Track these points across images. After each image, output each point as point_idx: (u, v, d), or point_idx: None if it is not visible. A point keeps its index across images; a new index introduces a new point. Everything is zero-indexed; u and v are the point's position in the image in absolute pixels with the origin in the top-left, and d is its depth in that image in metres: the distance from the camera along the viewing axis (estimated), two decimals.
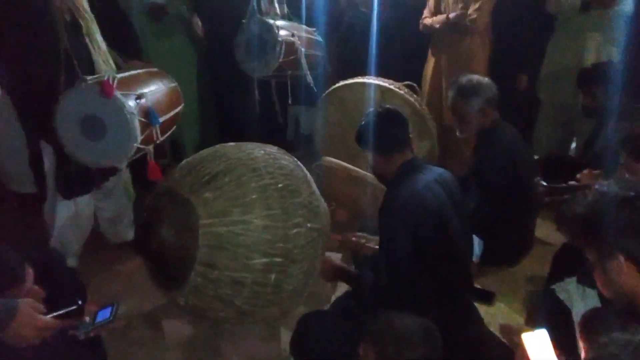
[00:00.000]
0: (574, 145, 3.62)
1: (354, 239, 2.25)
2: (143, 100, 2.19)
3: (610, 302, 1.41)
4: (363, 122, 2.00)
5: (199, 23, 3.55)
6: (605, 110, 2.80)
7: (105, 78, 2.09)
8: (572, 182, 2.03)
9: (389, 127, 1.95)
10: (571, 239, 1.32)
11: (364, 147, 2.00)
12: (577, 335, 1.51)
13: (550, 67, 3.43)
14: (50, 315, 1.42)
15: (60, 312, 1.45)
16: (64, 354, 1.50)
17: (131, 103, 2.12)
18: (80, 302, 1.54)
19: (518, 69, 3.52)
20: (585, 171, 2.30)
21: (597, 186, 1.24)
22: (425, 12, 3.59)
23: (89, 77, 2.12)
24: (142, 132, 2.16)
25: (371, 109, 2.05)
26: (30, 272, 1.53)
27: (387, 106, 2.08)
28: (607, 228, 1.18)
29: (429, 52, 3.71)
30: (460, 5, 3.42)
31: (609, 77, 2.75)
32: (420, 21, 3.58)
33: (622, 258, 1.16)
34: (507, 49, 3.46)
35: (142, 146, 2.19)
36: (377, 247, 2.05)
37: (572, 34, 3.29)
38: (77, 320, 1.50)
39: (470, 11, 3.37)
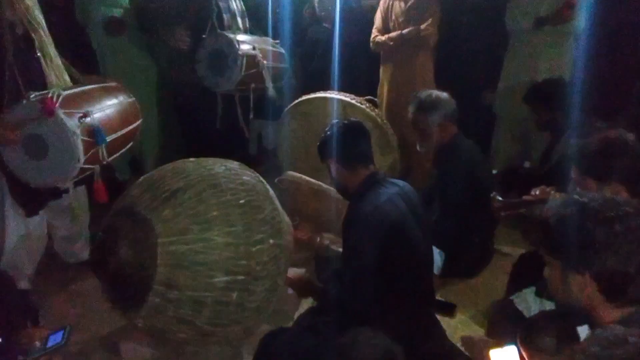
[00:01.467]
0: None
1: (319, 239, 2.25)
2: (88, 119, 2.13)
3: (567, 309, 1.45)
4: (326, 134, 2.00)
5: (185, 38, 3.48)
6: (558, 125, 2.90)
7: (49, 95, 2.03)
8: (526, 197, 2.08)
9: (354, 141, 1.96)
10: (538, 245, 1.33)
11: (326, 159, 2.00)
12: (518, 344, 1.54)
13: (505, 82, 3.54)
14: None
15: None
16: None
17: (73, 122, 2.06)
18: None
19: (463, 83, 3.59)
20: (540, 187, 2.37)
21: (576, 196, 1.23)
22: (374, 31, 3.65)
23: (32, 94, 2.05)
24: (87, 152, 2.10)
25: (334, 121, 2.05)
26: None
27: (351, 119, 2.10)
28: (581, 244, 1.17)
29: (381, 69, 3.76)
30: (410, 23, 3.49)
31: (555, 93, 2.85)
32: (372, 40, 3.64)
33: (588, 276, 1.18)
34: (451, 64, 3.55)
35: (86, 166, 2.13)
36: (341, 249, 2.07)
37: (526, 50, 3.41)
38: (28, 345, 1.44)
39: (423, 26, 3.45)
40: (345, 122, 2.02)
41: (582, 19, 3.18)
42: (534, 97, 3.01)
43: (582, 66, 3.05)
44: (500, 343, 1.63)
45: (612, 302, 1.19)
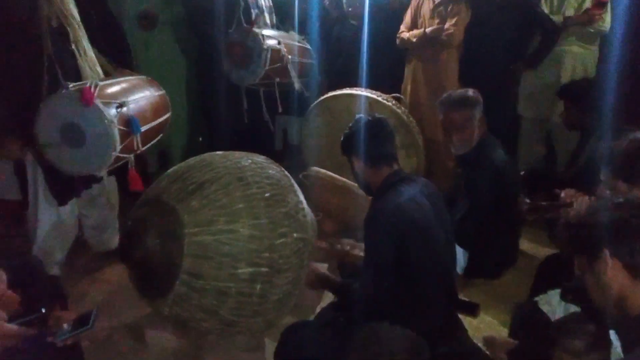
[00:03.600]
0: None
1: (339, 246, 2.25)
2: (124, 109, 2.18)
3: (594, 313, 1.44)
4: (350, 130, 1.99)
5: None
6: (587, 125, 2.85)
7: (87, 85, 2.08)
8: (554, 202, 2.06)
9: (378, 139, 1.94)
10: (563, 247, 1.36)
11: (348, 155, 1.99)
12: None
13: (530, 83, 3.49)
14: (15, 323, 1.40)
15: (24, 319, 1.43)
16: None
17: (111, 111, 2.11)
18: (44, 310, 1.52)
19: (489, 82, 3.54)
20: (569, 190, 2.33)
21: (600, 199, 1.30)
22: (402, 27, 3.63)
23: (71, 84, 2.11)
24: (122, 141, 2.14)
25: (359, 116, 2.02)
26: (3, 276, 1.50)
27: (376, 115, 2.06)
28: (598, 229, 1.22)
29: (406, 67, 3.74)
30: (437, 21, 3.47)
31: (589, 94, 2.80)
32: (397, 35, 3.62)
33: (607, 253, 1.20)
34: (478, 63, 3.49)
35: (122, 155, 2.18)
36: (363, 254, 2.06)
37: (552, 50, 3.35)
38: (56, 327, 1.48)
39: (447, 26, 3.42)
40: (370, 118, 1.99)
41: (610, 19, 3.11)
42: (568, 93, 2.96)
43: (610, 68, 2.99)
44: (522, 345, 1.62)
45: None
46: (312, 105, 3.43)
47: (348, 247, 2.27)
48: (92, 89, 2.07)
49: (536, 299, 1.96)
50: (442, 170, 3.58)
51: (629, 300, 1.22)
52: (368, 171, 1.95)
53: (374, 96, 3.21)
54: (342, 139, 2.01)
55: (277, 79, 3.31)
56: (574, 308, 1.79)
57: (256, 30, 3.12)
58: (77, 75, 2.31)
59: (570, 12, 3.28)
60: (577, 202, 1.89)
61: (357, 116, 2.04)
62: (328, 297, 2.35)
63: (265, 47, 3.09)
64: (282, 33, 3.42)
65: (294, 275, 1.91)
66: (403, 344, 1.45)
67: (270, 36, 3.22)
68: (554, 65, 3.33)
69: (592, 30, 3.23)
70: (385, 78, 3.59)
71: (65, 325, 1.50)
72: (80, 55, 2.31)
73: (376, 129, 1.95)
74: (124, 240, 1.97)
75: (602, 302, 1.28)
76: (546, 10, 3.33)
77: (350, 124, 2.01)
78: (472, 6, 3.47)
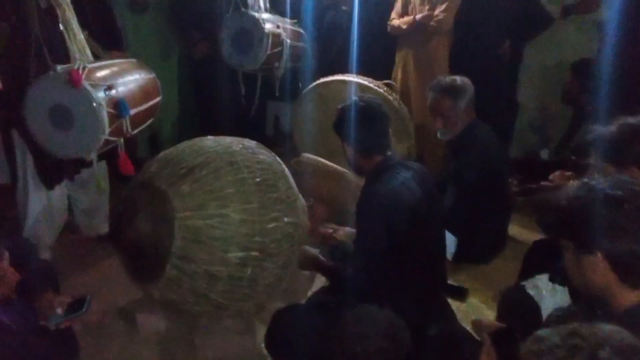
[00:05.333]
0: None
1: (321, 229, 2.26)
2: (113, 91, 2.16)
3: (580, 296, 1.45)
4: (342, 114, 1.94)
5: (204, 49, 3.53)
6: (581, 105, 2.87)
7: (75, 67, 2.06)
8: (544, 183, 2.07)
9: (372, 128, 1.90)
10: (551, 229, 1.33)
11: (341, 139, 1.97)
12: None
13: (528, 70, 3.50)
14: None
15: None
16: (34, 344, 1.48)
17: (100, 94, 2.09)
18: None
19: (477, 70, 3.54)
20: (558, 172, 2.36)
21: (586, 179, 1.24)
22: (393, 14, 3.62)
23: (59, 66, 2.09)
24: (112, 124, 2.13)
25: (353, 99, 1.96)
26: (5, 253, 1.50)
27: (370, 99, 2.00)
28: (592, 225, 1.18)
29: (397, 54, 3.73)
30: (427, 7, 3.46)
31: (594, 75, 2.81)
32: (388, 23, 3.61)
33: (600, 256, 1.17)
34: (466, 52, 3.49)
35: (111, 138, 2.17)
36: (345, 236, 2.07)
37: (551, 38, 3.35)
38: (49, 311, 1.49)
39: (436, 12, 3.42)
40: (363, 103, 1.95)
41: (608, 7, 3.11)
42: (578, 67, 2.97)
43: (606, 56, 3.00)
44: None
45: (627, 282, 1.18)
46: (303, 91, 3.42)
47: (330, 231, 2.28)
48: (80, 71, 2.05)
49: (523, 283, 1.99)
50: (432, 157, 3.60)
51: (612, 298, 1.21)
52: (359, 158, 1.95)
53: (366, 82, 3.20)
54: (334, 121, 1.98)
55: (276, 64, 3.28)
56: (561, 291, 1.82)
57: (256, 14, 3.09)
58: (65, 58, 2.28)
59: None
60: (567, 185, 1.90)
61: (352, 99, 1.99)
62: (319, 282, 2.37)
63: (266, 31, 3.06)
64: (277, 17, 3.40)
65: (284, 259, 1.92)
66: (382, 326, 1.47)
67: (268, 20, 3.19)
68: (553, 52, 3.33)
69: (590, 18, 3.23)
70: (377, 65, 3.58)
71: (58, 310, 1.51)
72: (69, 38, 2.28)
73: (369, 115, 1.92)
74: (115, 224, 1.97)
75: (584, 290, 1.28)
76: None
77: (343, 106, 1.97)
78: None
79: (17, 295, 1.40)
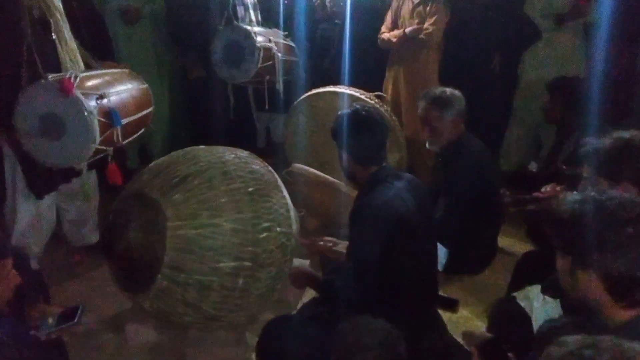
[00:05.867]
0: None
1: (321, 243, 2.25)
2: (105, 101, 2.15)
3: (572, 308, 1.45)
4: (341, 121, 1.91)
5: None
6: (567, 123, 2.90)
7: (67, 76, 2.06)
8: (536, 194, 2.09)
9: (370, 139, 1.89)
10: (551, 238, 1.29)
11: (339, 146, 1.93)
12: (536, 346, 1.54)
13: (523, 82, 3.55)
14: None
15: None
16: (27, 357, 1.45)
17: (91, 103, 2.08)
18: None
19: (467, 84, 3.56)
20: (550, 185, 2.38)
21: (593, 193, 1.21)
22: (383, 28, 3.67)
23: (50, 75, 2.08)
24: (103, 133, 2.12)
25: (354, 107, 1.93)
26: (10, 256, 1.49)
27: (370, 109, 1.96)
28: (592, 242, 1.16)
29: (387, 67, 3.78)
30: (416, 21, 3.52)
31: (577, 92, 2.85)
32: (378, 36, 3.66)
33: (595, 274, 1.17)
34: (456, 65, 3.53)
35: (101, 147, 2.16)
36: (345, 250, 2.06)
37: (545, 49, 3.41)
38: (40, 321, 1.47)
39: (425, 25, 3.47)
40: (365, 112, 1.90)
41: (598, 13, 3.13)
42: (558, 87, 2.99)
43: (595, 69, 3.04)
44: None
45: (619, 303, 1.18)
46: (295, 102, 3.44)
47: (330, 244, 2.27)
48: (72, 80, 2.04)
49: (514, 294, 2.01)
50: (423, 169, 3.63)
51: (604, 315, 1.21)
52: (356, 167, 1.93)
53: (357, 94, 3.23)
54: (332, 126, 1.94)
55: (267, 77, 3.31)
56: (551, 302, 1.83)
57: (247, 27, 3.11)
58: (57, 67, 2.28)
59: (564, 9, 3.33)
60: (567, 195, 1.89)
61: (353, 105, 1.96)
62: (310, 293, 2.36)
63: (258, 45, 3.09)
64: (269, 30, 3.42)
65: (276, 269, 1.92)
66: (379, 336, 1.47)
67: (260, 33, 3.22)
68: (548, 63, 3.38)
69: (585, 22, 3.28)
70: (368, 77, 3.62)
71: (50, 319, 1.49)
72: (61, 47, 2.28)
73: (369, 125, 1.89)
74: (107, 233, 1.95)
75: (575, 299, 1.28)
76: (534, 13, 3.38)
77: (343, 113, 1.93)
78: (453, 7, 3.52)
79: (7, 306, 1.38)
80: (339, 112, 1.95)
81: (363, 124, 1.89)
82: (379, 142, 1.91)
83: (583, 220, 1.18)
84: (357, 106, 1.94)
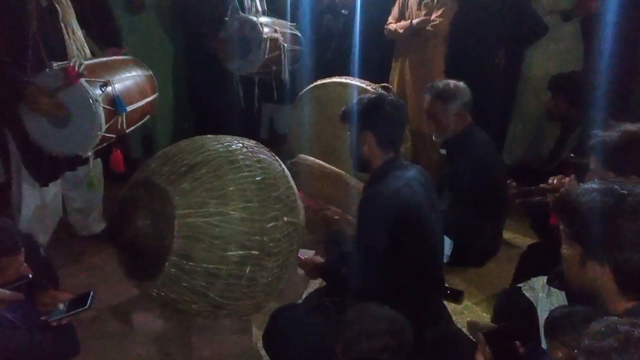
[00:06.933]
0: None
1: (329, 212, 2.26)
2: (109, 88, 2.16)
3: (577, 298, 1.45)
4: (373, 102, 1.91)
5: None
6: (570, 118, 2.90)
7: (71, 64, 2.06)
8: (543, 185, 2.08)
9: (398, 124, 1.91)
10: (563, 224, 1.27)
11: (361, 128, 1.90)
12: (543, 334, 1.55)
13: (527, 77, 3.54)
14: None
15: (14, 285, 1.45)
16: (40, 342, 1.47)
17: (96, 90, 2.09)
18: (30, 276, 1.52)
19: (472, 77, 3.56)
20: (557, 176, 2.37)
21: (615, 185, 1.19)
22: (390, 19, 3.65)
23: (55, 63, 2.08)
24: (108, 120, 2.12)
25: (382, 94, 1.97)
26: (22, 250, 1.50)
27: (398, 99, 2.00)
28: (609, 236, 1.15)
29: (393, 58, 3.76)
30: (424, 12, 3.49)
31: (580, 88, 2.84)
32: (385, 27, 3.64)
33: (607, 267, 1.16)
34: (462, 58, 3.50)
35: (107, 134, 2.16)
36: (347, 224, 2.06)
37: (550, 44, 3.40)
38: (51, 307, 1.48)
39: (433, 17, 3.45)
40: (395, 99, 1.94)
41: (604, 10, 3.12)
42: (558, 84, 3.00)
43: (596, 63, 3.03)
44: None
45: (625, 294, 1.18)
46: (301, 93, 3.43)
47: (337, 217, 2.27)
48: (77, 68, 2.04)
49: (520, 285, 2.02)
50: (427, 161, 3.63)
51: (609, 304, 1.21)
52: (375, 149, 1.89)
53: (363, 85, 3.23)
54: (359, 108, 1.92)
55: (274, 67, 3.30)
56: (556, 293, 1.84)
57: (254, 18, 3.10)
58: (63, 54, 2.28)
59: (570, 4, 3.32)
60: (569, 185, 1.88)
61: (380, 93, 1.99)
62: (315, 282, 2.38)
63: (265, 36, 3.07)
64: (275, 20, 3.41)
65: (283, 258, 1.93)
66: (386, 323, 1.48)
67: (267, 24, 3.20)
68: (554, 58, 3.37)
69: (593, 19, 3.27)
70: (374, 68, 3.60)
71: (60, 305, 1.50)
72: (68, 35, 2.27)
73: (396, 108, 1.91)
74: (115, 221, 1.96)
75: (576, 285, 1.28)
76: (541, 8, 3.37)
77: (368, 97, 1.94)
78: (461, 0, 3.50)
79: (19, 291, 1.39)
80: (359, 97, 1.96)
81: (392, 106, 1.90)
82: (402, 126, 1.94)
83: (602, 212, 1.16)
84: (381, 93, 1.99)
